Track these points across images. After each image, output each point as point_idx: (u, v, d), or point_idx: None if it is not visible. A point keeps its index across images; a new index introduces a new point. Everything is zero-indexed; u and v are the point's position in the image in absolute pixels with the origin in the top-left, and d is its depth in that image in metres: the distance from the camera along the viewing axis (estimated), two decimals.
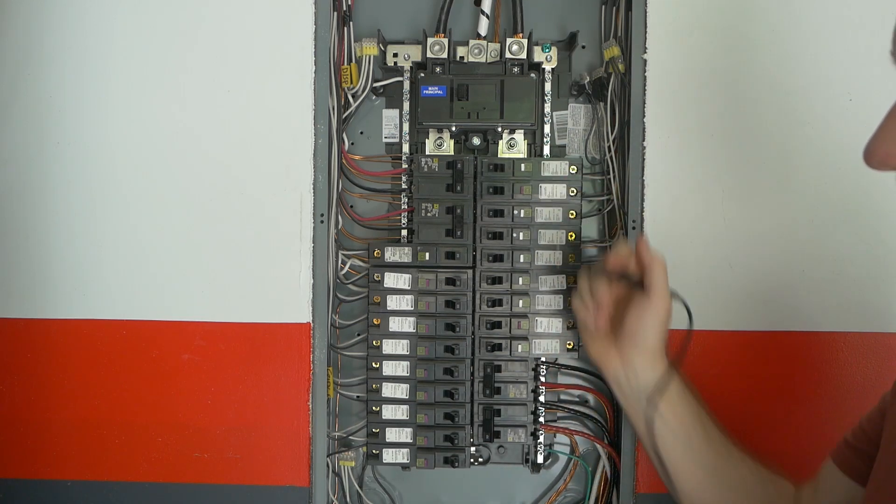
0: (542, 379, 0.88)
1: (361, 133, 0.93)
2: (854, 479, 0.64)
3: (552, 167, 0.86)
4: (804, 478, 0.72)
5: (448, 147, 0.89)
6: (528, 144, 0.90)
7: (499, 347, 0.86)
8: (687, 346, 0.73)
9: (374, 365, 0.87)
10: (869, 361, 0.83)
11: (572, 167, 0.86)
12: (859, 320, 0.83)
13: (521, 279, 0.86)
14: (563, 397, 0.92)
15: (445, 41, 0.87)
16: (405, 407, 0.87)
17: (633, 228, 0.84)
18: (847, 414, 0.83)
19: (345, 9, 0.89)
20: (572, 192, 0.86)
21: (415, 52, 0.89)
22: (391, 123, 0.92)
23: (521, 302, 0.86)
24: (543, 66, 0.89)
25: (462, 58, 0.89)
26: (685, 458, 0.74)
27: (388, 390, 0.87)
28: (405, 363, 0.87)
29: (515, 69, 0.88)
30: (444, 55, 0.87)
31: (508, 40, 0.87)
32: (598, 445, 0.90)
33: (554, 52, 0.88)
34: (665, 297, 0.72)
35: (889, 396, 0.61)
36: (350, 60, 0.90)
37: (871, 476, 0.59)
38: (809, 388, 0.84)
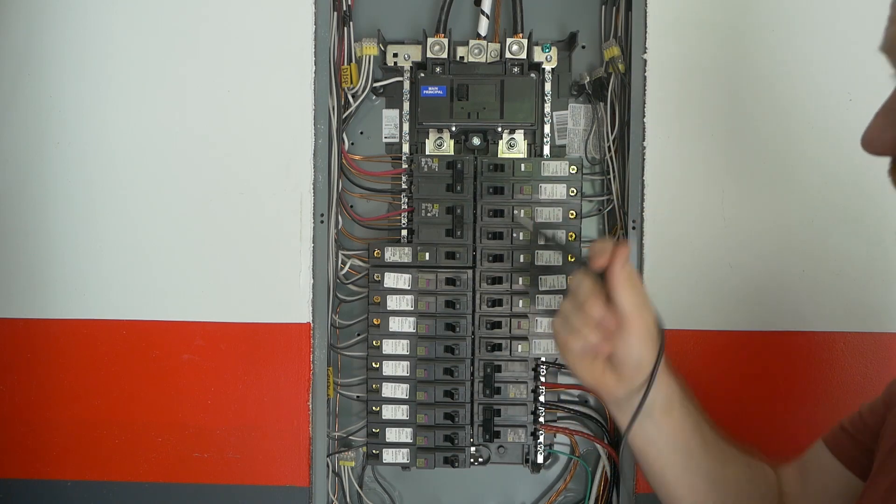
0: (542, 379, 0.88)
1: (361, 133, 0.93)
2: (847, 466, 0.64)
3: (552, 167, 0.86)
4: (780, 460, 0.70)
5: (448, 147, 0.89)
6: (528, 144, 0.90)
7: (499, 347, 0.86)
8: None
9: (374, 365, 0.87)
10: (868, 361, 0.83)
11: (572, 167, 0.86)
12: (859, 320, 0.83)
13: (521, 279, 0.86)
14: (563, 397, 0.92)
15: (445, 41, 0.87)
16: (405, 407, 0.87)
17: (633, 228, 0.84)
18: (846, 414, 0.83)
19: (345, 9, 0.89)
20: (572, 192, 0.86)
21: (415, 52, 0.89)
22: (391, 123, 0.92)
23: (521, 302, 0.86)
24: (543, 66, 0.89)
25: (462, 58, 0.89)
26: (686, 469, 0.69)
27: (388, 390, 0.87)
28: (405, 363, 0.87)
29: (515, 69, 0.88)
30: (444, 55, 0.87)
31: (508, 40, 0.87)
32: (598, 445, 0.90)
33: (554, 52, 0.88)
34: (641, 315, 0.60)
35: (895, 387, 0.61)
36: (350, 60, 0.90)
37: (875, 467, 0.59)
38: (808, 388, 0.84)
